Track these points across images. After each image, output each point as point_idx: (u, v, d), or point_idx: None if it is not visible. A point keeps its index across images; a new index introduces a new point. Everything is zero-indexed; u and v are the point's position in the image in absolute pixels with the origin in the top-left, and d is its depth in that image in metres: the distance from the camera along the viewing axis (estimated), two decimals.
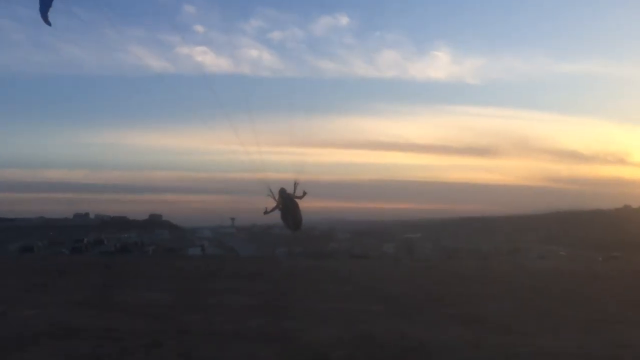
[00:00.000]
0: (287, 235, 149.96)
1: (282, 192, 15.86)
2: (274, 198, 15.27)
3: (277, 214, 14.12)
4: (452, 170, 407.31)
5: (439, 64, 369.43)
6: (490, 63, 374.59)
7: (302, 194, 15.32)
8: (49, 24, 13.79)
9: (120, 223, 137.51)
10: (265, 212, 15.31)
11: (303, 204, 13.82)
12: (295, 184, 15.47)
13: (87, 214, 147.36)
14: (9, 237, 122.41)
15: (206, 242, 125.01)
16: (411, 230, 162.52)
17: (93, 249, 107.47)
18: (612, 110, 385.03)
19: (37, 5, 13.77)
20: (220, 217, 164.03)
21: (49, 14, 13.83)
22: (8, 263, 24.81)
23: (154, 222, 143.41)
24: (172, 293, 16.15)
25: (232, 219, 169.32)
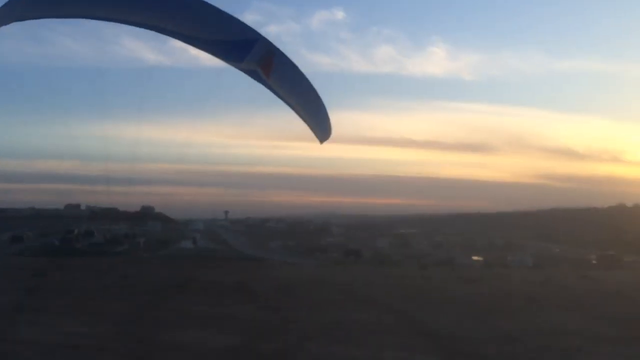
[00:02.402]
0: (281, 229, 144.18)
1: None
2: None
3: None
4: (446, 166, 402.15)
5: (436, 60, 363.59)
6: (486, 59, 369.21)
7: None
8: None
9: (111, 215, 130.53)
10: None
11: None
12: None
13: (78, 205, 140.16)
14: (0, 227, 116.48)
15: (198, 235, 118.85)
16: (404, 225, 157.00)
17: (83, 240, 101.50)
18: (607, 108, 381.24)
19: None
20: (214, 209, 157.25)
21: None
22: None
23: (147, 214, 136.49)
24: (107, 321, 9.88)
25: (226, 211, 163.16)
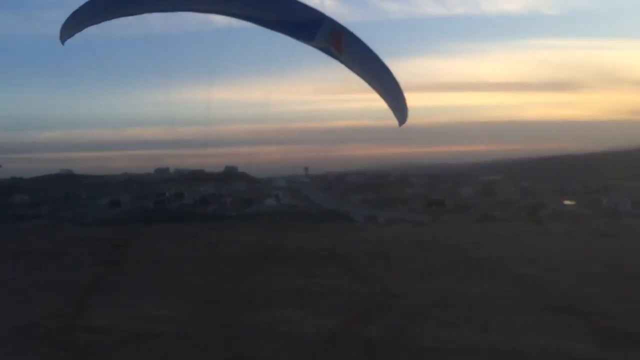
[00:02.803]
0: (361, 182, 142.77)
1: None
2: None
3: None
4: (530, 107, 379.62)
5: None
6: None
7: None
8: (62, 41, 11.40)
9: (198, 176, 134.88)
10: None
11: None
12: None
13: (167, 169, 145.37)
14: (99, 192, 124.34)
15: (280, 193, 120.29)
16: (488, 172, 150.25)
17: (175, 202, 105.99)
18: None
19: None
20: (294, 166, 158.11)
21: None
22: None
23: (230, 175, 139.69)
24: (190, 300, 8.79)
25: (306, 168, 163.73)
